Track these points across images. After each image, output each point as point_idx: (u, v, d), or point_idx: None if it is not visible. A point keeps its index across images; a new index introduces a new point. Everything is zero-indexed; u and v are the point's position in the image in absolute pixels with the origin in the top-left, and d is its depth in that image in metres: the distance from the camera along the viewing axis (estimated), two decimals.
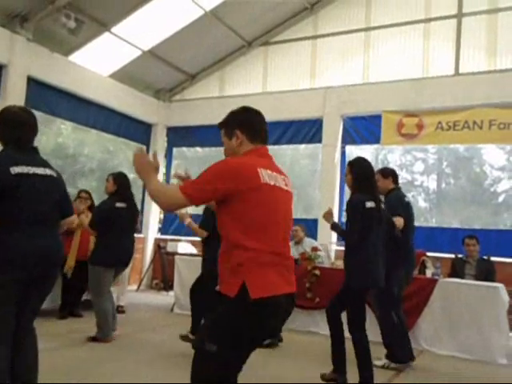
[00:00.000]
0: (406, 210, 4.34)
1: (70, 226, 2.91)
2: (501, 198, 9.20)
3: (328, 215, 3.82)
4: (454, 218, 8.70)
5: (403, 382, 3.88)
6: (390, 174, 4.47)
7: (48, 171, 2.57)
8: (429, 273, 5.32)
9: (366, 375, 3.36)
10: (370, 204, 3.52)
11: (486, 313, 4.81)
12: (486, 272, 5.56)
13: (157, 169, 2.00)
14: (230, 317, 1.82)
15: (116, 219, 4.61)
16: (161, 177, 9.97)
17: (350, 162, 3.77)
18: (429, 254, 5.73)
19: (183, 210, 4.47)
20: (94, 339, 4.52)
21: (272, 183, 1.93)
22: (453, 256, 6.11)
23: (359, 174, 3.64)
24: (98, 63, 8.21)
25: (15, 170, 2.39)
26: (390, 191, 4.38)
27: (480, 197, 8.88)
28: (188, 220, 4.56)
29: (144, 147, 1.90)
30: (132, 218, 4.89)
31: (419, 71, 7.85)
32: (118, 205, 4.70)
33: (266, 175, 1.92)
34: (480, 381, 4.05)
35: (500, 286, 4.94)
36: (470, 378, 4.15)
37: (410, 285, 4.53)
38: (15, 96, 6.94)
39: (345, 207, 3.85)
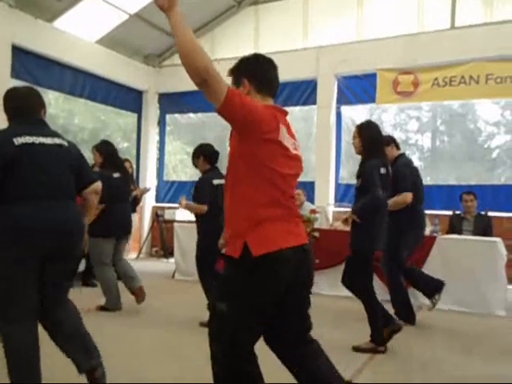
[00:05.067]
0: (415, 175, 4.37)
1: (97, 195, 2.70)
2: (495, 154, 9.19)
3: (346, 222, 3.69)
4: (449, 175, 8.71)
5: (406, 336, 3.97)
6: (390, 141, 4.39)
7: (57, 140, 2.48)
8: (427, 230, 5.36)
9: (376, 329, 3.46)
10: (382, 170, 3.51)
11: (484, 267, 4.89)
12: (484, 227, 5.62)
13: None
14: (237, 276, 1.82)
15: (114, 190, 4.53)
16: (155, 145, 9.86)
17: (359, 125, 3.68)
18: (426, 211, 5.76)
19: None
20: (102, 308, 4.58)
21: (285, 144, 1.87)
22: (450, 213, 6.16)
23: (369, 137, 3.57)
24: (83, 29, 7.95)
25: (19, 140, 2.31)
26: (397, 158, 4.34)
27: (475, 153, 8.86)
28: (183, 203, 4.41)
29: None
30: (128, 187, 4.85)
31: (414, 26, 7.67)
32: (115, 175, 4.65)
33: (284, 133, 1.87)
34: (480, 333, 4.16)
35: (498, 240, 5.00)
36: (469, 330, 4.26)
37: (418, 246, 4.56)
38: (0, 65, 6.74)
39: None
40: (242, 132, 1.80)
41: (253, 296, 1.80)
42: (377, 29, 7.88)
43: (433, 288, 4.33)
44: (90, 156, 4.84)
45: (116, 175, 4.65)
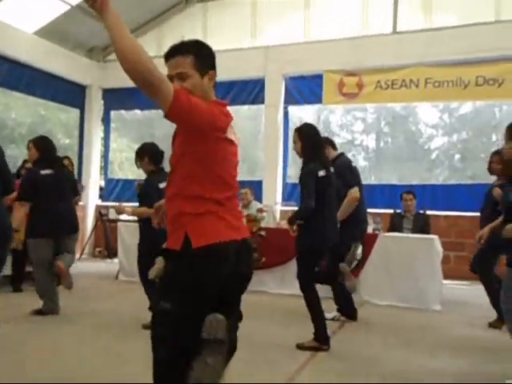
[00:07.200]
0: (355, 174, 4.44)
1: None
2: (434, 155, 9.65)
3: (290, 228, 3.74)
4: (392, 175, 9.04)
5: (348, 332, 4.07)
6: (326, 142, 4.40)
7: None
8: (370, 228, 5.52)
9: (319, 328, 3.49)
10: (322, 173, 3.58)
11: (422, 263, 5.09)
12: (422, 225, 5.86)
13: None
14: (178, 271, 1.77)
15: (43, 188, 4.28)
16: (99, 142, 9.54)
17: (298, 129, 3.74)
18: (369, 210, 5.93)
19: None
20: (38, 312, 4.35)
21: (231, 137, 1.86)
22: (391, 211, 6.37)
23: (309, 141, 3.64)
24: (20, 19, 7.54)
25: None
26: (336, 158, 4.41)
27: (416, 154, 9.26)
28: (129, 210, 4.24)
29: None
30: (62, 184, 4.52)
31: (358, 29, 7.88)
32: (43, 172, 4.35)
33: (231, 130, 1.85)
34: (418, 327, 4.33)
35: (435, 237, 5.23)
36: (408, 324, 4.42)
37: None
38: None
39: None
40: (193, 133, 1.76)
41: (194, 290, 1.75)
42: (323, 30, 8.03)
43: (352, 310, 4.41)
44: (24, 152, 4.59)
45: (45, 172, 4.35)
